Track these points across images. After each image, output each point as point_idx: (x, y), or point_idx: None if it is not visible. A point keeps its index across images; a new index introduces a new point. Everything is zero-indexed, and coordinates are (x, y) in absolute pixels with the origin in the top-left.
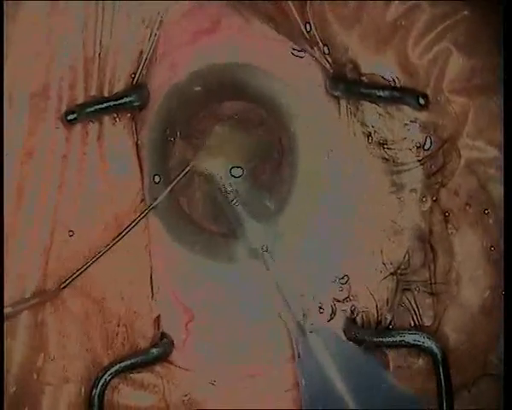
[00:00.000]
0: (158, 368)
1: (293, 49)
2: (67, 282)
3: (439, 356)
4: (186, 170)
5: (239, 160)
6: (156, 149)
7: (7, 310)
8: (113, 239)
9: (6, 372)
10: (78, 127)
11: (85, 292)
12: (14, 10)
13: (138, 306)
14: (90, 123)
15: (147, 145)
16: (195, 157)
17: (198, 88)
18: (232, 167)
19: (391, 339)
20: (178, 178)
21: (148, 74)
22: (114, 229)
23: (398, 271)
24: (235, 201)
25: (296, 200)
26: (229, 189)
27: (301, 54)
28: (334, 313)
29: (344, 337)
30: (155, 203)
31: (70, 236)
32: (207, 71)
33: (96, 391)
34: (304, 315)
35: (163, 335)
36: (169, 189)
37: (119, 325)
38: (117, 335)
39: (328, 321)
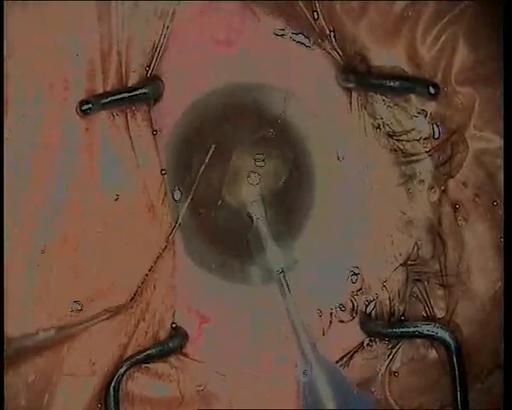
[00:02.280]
0: (172, 360)
1: (303, 44)
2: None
3: (452, 346)
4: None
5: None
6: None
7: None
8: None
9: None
10: (98, 119)
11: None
12: (32, 2)
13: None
14: (111, 115)
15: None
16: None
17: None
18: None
19: (405, 330)
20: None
21: (162, 67)
22: (137, 219)
23: (409, 262)
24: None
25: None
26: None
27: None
28: (355, 309)
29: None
30: (179, 221)
31: (86, 227)
32: (225, 89)
33: (113, 382)
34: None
35: (178, 328)
36: (189, 199)
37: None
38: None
39: (352, 319)
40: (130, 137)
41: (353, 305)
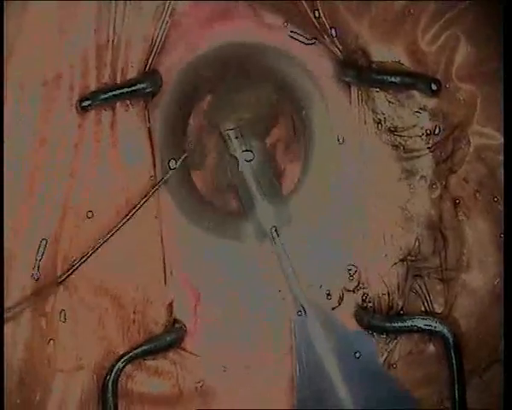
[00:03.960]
0: (171, 355)
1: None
2: (78, 263)
3: (450, 340)
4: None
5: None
6: (171, 132)
7: (15, 298)
8: (123, 218)
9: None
10: (91, 115)
11: (98, 280)
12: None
13: (152, 292)
14: (103, 110)
15: (160, 129)
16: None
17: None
18: (243, 151)
19: (402, 324)
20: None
21: (160, 61)
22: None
23: (409, 257)
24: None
25: (308, 184)
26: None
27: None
28: (341, 299)
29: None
30: (166, 177)
31: (83, 221)
32: (219, 51)
33: (111, 378)
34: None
35: (175, 321)
36: (180, 161)
37: (134, 313)
38: (133, 322)
39: (333, 308)
40: (125, 132)
41: (341, 297)
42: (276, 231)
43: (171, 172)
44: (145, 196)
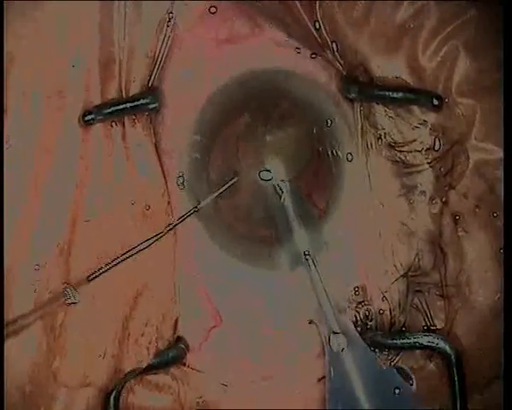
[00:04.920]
0: (173, 370)
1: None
2: (94, 276)
3: (452, 357)
4: (233, 180)
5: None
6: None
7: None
8: (145, 240)
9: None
10: (97, 128)
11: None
12: (32, 10)
13: (165, 308)
14: (114, 125)
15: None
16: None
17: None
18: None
19: (405, 341)
20: (226, 185)
21: (164, 77)
22: (143, 228)
23: (409, 273)
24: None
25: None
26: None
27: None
28: (359, 319)
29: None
30: (200, 206)
31: (94, 234)
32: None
33: (113, 393)
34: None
35: (179, 338)
36: (215, 195)
37: (146, 325)
38: (142, 335)
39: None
40: (129, 147)
41: (356, 318)
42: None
43: (204, 201)
44: (175, 223)
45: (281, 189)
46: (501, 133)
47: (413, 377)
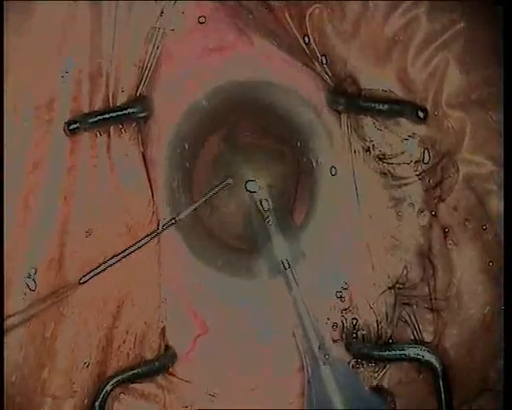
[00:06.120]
0: (159, 379)
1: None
2: (86, 278)
3: (439, 370)
4: (227, 181)
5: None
6: (175, 166)
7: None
8: (127, 248)
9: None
10: (85, 139)
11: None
12: (19, 23)
13: (148, 316)
14: (98, 135)
15: (164, 160)
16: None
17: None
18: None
19: (391, 353)
20: (210, 194)
21: (153, 86)
22: (128, 240)
23: (397, 285)
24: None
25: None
26: (265, 206)
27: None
28: (345, 328)
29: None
30: (180, 216)
31: (81, 245)
32: (221, 89)
33: (98, 402)
34: (320, 346)
35: (167, 347)
36: (196, 205)
37: (127, 333)
38: (124, 342)
39: (341, 337)
40: (119, 157)
41: (343, 325)
42: (288, 263)
43: (186, 211)
44: (156, 232)
45: (263, 207)
46: (491, 146)
47: (394, 397)
